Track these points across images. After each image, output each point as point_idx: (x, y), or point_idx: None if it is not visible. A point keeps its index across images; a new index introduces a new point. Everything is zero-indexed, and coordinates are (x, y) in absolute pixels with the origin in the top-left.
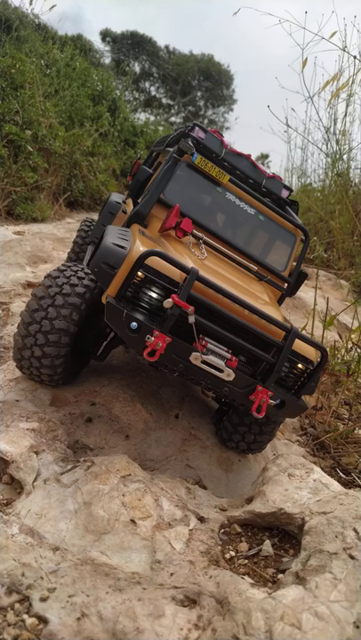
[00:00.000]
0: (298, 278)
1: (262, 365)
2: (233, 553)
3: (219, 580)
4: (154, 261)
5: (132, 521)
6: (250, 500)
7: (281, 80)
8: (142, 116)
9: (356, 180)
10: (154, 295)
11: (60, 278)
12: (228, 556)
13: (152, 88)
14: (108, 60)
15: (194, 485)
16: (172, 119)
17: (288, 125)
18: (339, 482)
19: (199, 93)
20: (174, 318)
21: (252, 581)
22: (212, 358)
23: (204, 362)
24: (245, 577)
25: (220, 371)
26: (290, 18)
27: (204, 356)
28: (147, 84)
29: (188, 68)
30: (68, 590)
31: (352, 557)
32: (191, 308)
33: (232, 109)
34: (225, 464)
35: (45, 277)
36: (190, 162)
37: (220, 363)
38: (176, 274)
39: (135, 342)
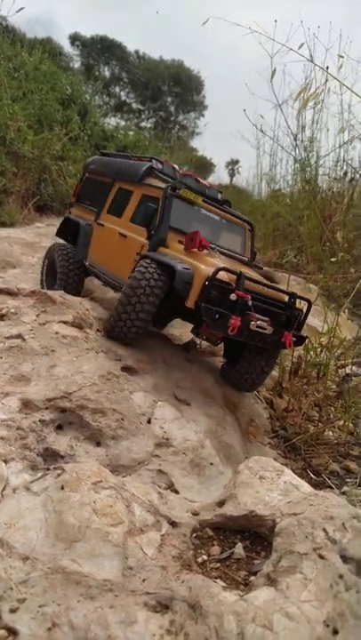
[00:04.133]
0: (253, 256)
1: (282, 319)
2: (205, 557)
3: (191, 585)
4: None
5: (103, 528)
6: (222, 504)
7: (251, 87)
8: (113, 121)
9: (325, 187)
10: (217, 292)
11: (143, 280)
12: (200, 559)
13: (122, 93)
14: (77, 65)
15: (166, 490)
16: (143, 124)
17: (262, 131)
18: (310, 483)
19: (169, 99)
20: (239, 305)
21: (224, 584)
22: (260, 323)
23: (257, 327)
24: (218, 580)
25: (265, 329)
26: (259, 28)
27: (257, 323)
28: (117, 89)
29: (159, 74)
30: (38, 600)
31: (322, 557)
32: (249, 297)
33: (203, 115)
34: (197, 468)
35: (135, 273)
36: (178, 194)
37: (264, 325)
38: (225, 276)
39: (220, 326)
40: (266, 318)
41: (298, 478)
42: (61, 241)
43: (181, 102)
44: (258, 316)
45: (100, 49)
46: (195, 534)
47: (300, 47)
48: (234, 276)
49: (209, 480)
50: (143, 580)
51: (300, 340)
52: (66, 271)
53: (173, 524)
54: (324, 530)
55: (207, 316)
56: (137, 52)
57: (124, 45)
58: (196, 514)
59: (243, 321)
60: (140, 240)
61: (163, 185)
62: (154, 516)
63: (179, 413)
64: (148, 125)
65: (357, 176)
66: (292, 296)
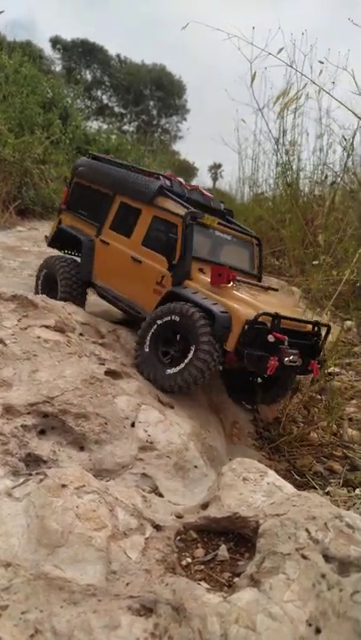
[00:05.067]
0: (260, 271)
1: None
2: (189, 559)
3: (175, 587)
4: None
5: (87, 533)
6: (205, 506)
7: (232, 91)
8: (95, 125)
9: (306, 190)
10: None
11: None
12: (184, 562)
13: (104, 96)
14: (58, 68)
15: (150, 494)
16: (125, 128)
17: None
18: (294, 484)
19: (151, 103)
20: (275, 345)
21: (208, 586)
22: (292, 358)
23: (290, 361)
24: (202, 582)
25: (295, 362)
26: (239, 33)
27: (290, 358)
28: (99, 93)
29: (140, 78)
30: (20, 607)
31: (305, 557)
32: (286, 338)
33: (185, 119)
34: (182, 471)
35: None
36: (196, 222)
37: (295, 358)
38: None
39: (259, 368)
40: (296, 351)
41: (281, 479)
42: (56, 252)
43: (163, 106)
44: (290, 350)
45: (81, 52)
46: (179, 537)
47: (278, 52)
48: (269, 317)
49: (193, 483)
50: (127, 584)
51: (320, 365)
52: (70, 283)
53: (157, 527)
54: (307, 530)
55: (249, 361)
56: (118, 55)
57: (105, 49)
58: (180, 517)
59: (278, 359)
60: (159, 269)
61: (179, 211)
62: (137, 520)
63: (162, 416)
64: (131, 129)
65: (338, 179)
66: (316, 325)
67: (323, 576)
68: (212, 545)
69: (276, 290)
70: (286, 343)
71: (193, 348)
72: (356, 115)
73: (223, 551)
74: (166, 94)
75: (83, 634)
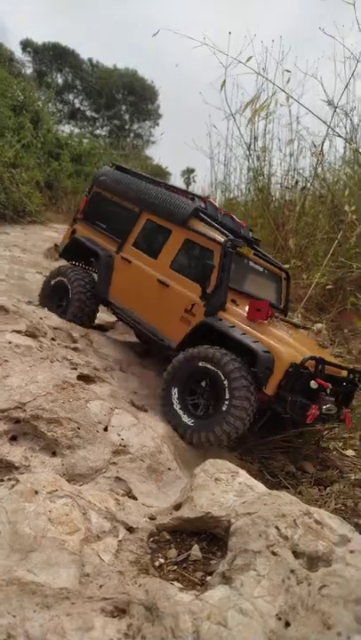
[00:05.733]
0: (286, 305)
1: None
2: (162, 560)
3: (148, 588)
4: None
5: (59, 537)
6: (178, 507)
7: (204, 97)
8: (67, 129)
9: (277, 195)
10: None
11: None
12: (157, 563)
13: (76, 100)
14: (29, 71)
15: (123, 497)
16: (98, 132)
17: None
18: (266, 484)
19: (124, 107)
20: (316, 392)
21: (181, 586)
22: (329, 406)
23: (326, 410)
24: (175, 582)
25: (331, 410)
26: (210, 39)
27: (327, 407)
28: (70, 97)
29: (112, 82)
30: None
31: (275, 554)
32: (329, 385)
33: (158, 124)
34: (155, 474)
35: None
36: (236, 251)
37: (332, 407)
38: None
39: (300, 415)
40: (332, 399)
41: (253, 479)
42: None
43: (136, 111)
44: (328, 398)
45: (53, 56)
46: (152, 538)
47: (247, 60)
48: (313, 362)
49: (167, 485)
50: (100, 586)
51: (352, 414)
52: (83, 299)
53: (130, 529)
54: (277, 527)
55: (291, 408)
56: (90, 59)
57: (76, 53)
58: (153, 518)
59: (318, 408)
60: (189, 296)
61: (217, 237)
62: (110, 523)
63: (136, 420)
64: (103, 133)
65: (308, 185)
66: (352, 372)
67: (292, 571)
68: (184, 545)
69: (308, 328)
70: (329, 391)
71: (227, 403)
72: (323, 122)
73: (196, 551)
74: (138, 99)
75: (56, 637)
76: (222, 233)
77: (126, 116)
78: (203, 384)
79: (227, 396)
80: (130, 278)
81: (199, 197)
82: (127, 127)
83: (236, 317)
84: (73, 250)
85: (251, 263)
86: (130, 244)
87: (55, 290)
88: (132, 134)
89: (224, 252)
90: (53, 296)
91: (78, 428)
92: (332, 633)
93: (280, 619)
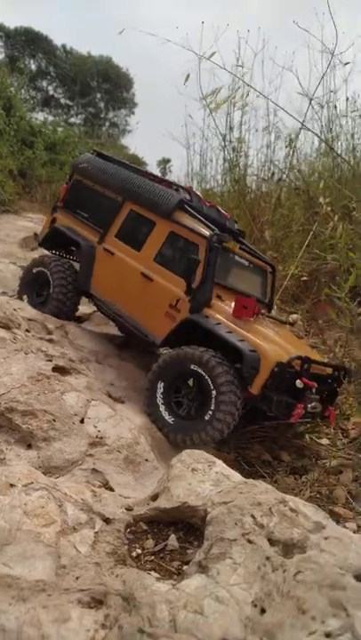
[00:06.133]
0: (272, 299)
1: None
2: (139, 550)
3: (125, 578)
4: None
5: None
6: (155, 498)
7: (180, 86)
8: (40, 116)
9: (253, 187)
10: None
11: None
12: (134, 554)
13: (50, 87)
14: (1, 57)
15: (100, 488)
16: (72, 120)
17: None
18: (243, 473)
19: (99, 95)
20: (302, 391)
21: (158, 576)
22: (314, 404)
23: (311, 408)
24: (152, 572)
25: (316, 408)
26: (178, 34)
27: (312, 405)
28: (44, 83)
29: (87, 69)
30: None
31: (250, 542)
32: (315, 384)
33: (133, 113)
34: (132, 465)
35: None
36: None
37: (317, 404)
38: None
39: (285, 414)
40: (317, 397)
41: (229, 469)
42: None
43: (111, 99)
44: (313, 396)
45: (25, 41)
46: (129, 529)
47: (211, 56)
48: (299, 361)
49: (144, 476)
50: (77, 578)
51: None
52: (64, 291)
53: (107, 520)
54: (253, 516)
55: (277, 407)
56: (64, 46)
57: (50, 39)
58: (129, 509)
59: (303, 407)
60: (174, 291)
61: (203, 230)
62: (87, 515)
63: (113, 412)
64: (78, 121)
65: (284, 177)
66: (336, 369)
67: (267, 559)
68: (161, 535)
69: (293, 324)
70: (315, 391)
71: (213, 401)
72: (295, 118)
73: (173, 541)
74: (114, 87)
75: (32, 629)
76: (208, 226)
77: (101, 104)
78: (189, 383)
79: (213, 400)
80: (112, 270)
81: (183, 188)
82: (102, 115)
83: (221, 314)
84: (52, 240)
85: (236, 257)
86: (112, 235)
87: (36, 279)
88: (107, 123)
89: (210, 246)
90: (34, 284)
91: (54, 420)
92: (307, 617)
93: (256, 605)
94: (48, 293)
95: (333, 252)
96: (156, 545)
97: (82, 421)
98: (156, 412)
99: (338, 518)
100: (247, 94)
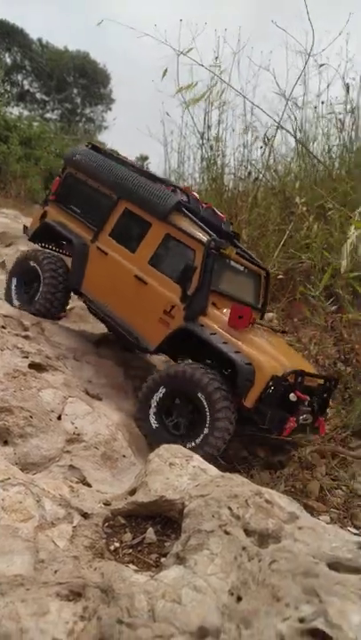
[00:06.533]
0: (265, 305)
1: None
2: (117, 544)
3: (103, 571)
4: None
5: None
6: (133, 492)
7: (158, 83)
8: (15, 111)
9: (230, 185)
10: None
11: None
12: (112, 547)
13: (25, 82)
14: None
15: (78, 484)
16: (48, 115)
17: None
18: (219, 468)
19: (75, 90)
20: (295, 404)
21: (136, 568)
22: (306, 416)
23: (303, 420)
24: (130, 565)
25: (307, 420)
26: (156, 28)
27: (303, 417)
28: (19, 77)
29: (63, 64)
30: None
31: (227, 533)
32: (307, 397)
33: (110, 109)
34: (109, 461)
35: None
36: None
37: (308, 416)
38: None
39: (277, 428)
40: (309, 409)
41: (206, 463)
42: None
43: (88, 95)
44: (304, 408)
45: (0, 34)
46: (107, 523)
47: (187, 52)
48: (293, 374)
49: (122, 472)
50: (55, 572)
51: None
52: (54, 288)
53: (85, 515)
54: (229, 508)
55: (270, 421)
56: (40, 39)
57: (25, 32)
58: (107, 504)
59: (296, 420)
60: (168, 296)
61: (200, 235)
62: (65, 510)
63: (90, 408)
64: (54, 117)
65: (261, 176)
66: (328, 380)
67: (244, 549)
68: (139, 529)
69: (285, 332)
70: (307, 404)
71: (209, 419)
72: (271, 117)
73: (151, 534)
74: (90, 83)
75: (11, 623)
76: (205, 231)
77: (78, 100)
78: (178, 401)
79: (208, 422)
80: (105, 271)
81: (180, 189)
82: (79, 111)
83: (217, 323)
84: (43, 234)
85: (232, 263)
86: (106, 234)
87: (24, 276)
88: (83, 119)
89: (207, 252)
90: (20, 282)
91: (31, 417)
92: (281, 604)
93: (232, 594)
94: (37, 290)
95: (309, 251)
96: (134, 538)
97: (59, 418)
98: (153, 437)
99: (312, 511)
100: (223, 92)
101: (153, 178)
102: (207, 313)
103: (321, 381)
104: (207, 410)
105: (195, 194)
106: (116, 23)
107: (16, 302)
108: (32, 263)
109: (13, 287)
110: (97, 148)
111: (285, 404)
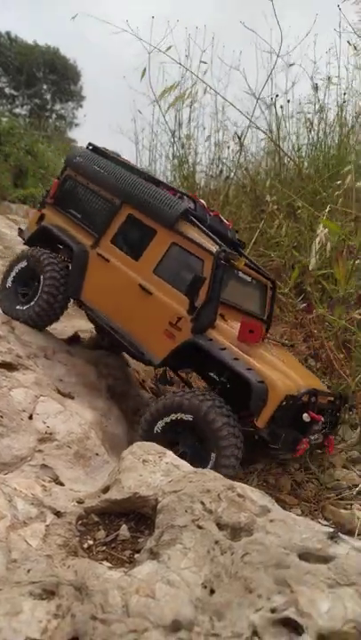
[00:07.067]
0: (270, 316)
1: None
2: (91, 542)
3: (77, 569)
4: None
5: None
6: (106, 490)
7: (128, 82)
8: None
9: (202, 184)
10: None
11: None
12: (86, 545)
13: None
14: None
15: (50, 483)
16: (17, 110)
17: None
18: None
19: (45, 86)
20: (308, 425)
21: (110, 565)
22: (317, 436)
23: (314, 440)
24: (104, 562)
25: (318, 439)
26: (132, 25)
27: (315, 437)
28: None
29: (33, 59)
30: None
31: (200, 527)
32: (321, 418)
33: (81, 106)
34: (82, 459)
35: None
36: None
37: (319, 436)
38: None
39: (289, 449)
40: (319, 428)
41: (179, 459)
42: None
43: (58, 91)
44: (316, 428)
45: None
46: (80, 522)
47: (167, 49)
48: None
49: (95, 470)
50: (28, 571)
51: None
52: (55, 292)
53: (58, 513)
54: (202, 502)
55: (284, 442)
56: (8, 33)
57: None
58: (81, 502)
59: (308, 441)
60: (175, 308)
61: (209, 245)
62: (37, 509)
63: (62, 407)
64: (23, 112)
65: (232, 174)
66: (338, 398)
67: (216, 542)
68: (113, 526)
69: (293, 345)
70: (321, 424)
71: (214, 456)
72: (244, 114)
73: (124, 531)
74: (60, 78)
75: None
76: (214, 241)
77: (48, 96)
78: (181, 431)
79: (214, 448)
80: (107, 279)
81: (187, 196)
82: (49, 107)
83: (226, 337)
84: (40, 238)
85: (241, 274)
86: (108, 240)
87: (21, 276)
88: (54, 115)
89: (216, 263)
90: (16, 283)
91: (1, 417)
92: (254, 596)
93: (206, 587)
94: (34, 294)
95: (279, 249)
96: (107, 535)
97: (30, 417)
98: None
99: (284, 505)
100: (197, 91)
101: (157, 183)
102: (216, 326)
103: (331, 398)
104: (211, 438)
105: (202, 201)
106: (91, 17)
107: (6, 304)
108: (34, 266)
109: (7, 287)
110: (98, 149)
111: (297, 424)
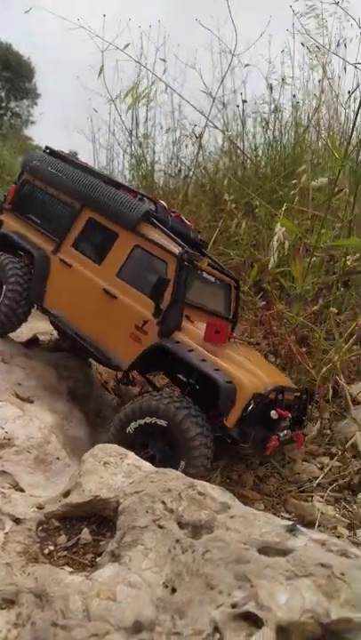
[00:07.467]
0: (235, 315)
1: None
2: (52, 547)
3: (37, 576)
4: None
5: None
6: (67, 494)
7: (84, 80)
8: None
9: (161, 183)
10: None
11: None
12: (46, 551)
13: None
14: None
15: (9, 490)
16: None
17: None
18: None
19: None
20: (278, 422)
21: (71, 570)
22: (285, 433)
23: (283, 436)
24: (65, 567)
25: (286, 435)
26: (86, 23)
27: (283, 434)
28: None
29: None
30: None
31: (161, 527)
32: (289, 415)
33: (37, 103)
34: (43, 464)
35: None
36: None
37: (288, 432)
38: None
39: (260, 447)
40: (288, 424)
41: (141, 460)
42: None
43: (12, 88)
44: (284, 424)
45: None
46: (41, 527)
47: (125, 47)
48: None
49: (56, 474)
50: None
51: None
52: (18, 298)
53: (17, 520)
54: (163, 502)
55: (253, 441)
56: None
57: None
58: (41, 508)
59: (278, 438)
60: (140, 311)
61: (172, 247)
62: None
63: (21, 412)
64: None
65: (190, 173)
66: (305, 393)
67: (177, 541)
68: (74, 530)
69: (258, 344)
70: (289, 420)
71: (183, 464)
72: (202, 114)
73: (85, 534)
74: (15, 75)
75: None
76: (177, 242)
77: (2, 93)
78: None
79: (184, 456)
80: (69, 284)
81: (148, 198)
82: (3, 105)
83: (192, 338)
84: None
85: (204, 274)
86: (69, 245)
87: None
88: (9, 113)
89: (180, 265)
90: None
91: None
92: (215, 592)
93: (167, 586)
94: None
95: (238, 248)
96: (68, 540)
97: None
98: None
99: (246, 500)
100: (156, 90)
101: (117, 185)
102: (182, 327)
103: (298, 394)
104: (182, 445)
105: (163, 202)
106: (46, 11)
107: None
108: None
109: None
110: (55, 152)
111: (266, 422)
